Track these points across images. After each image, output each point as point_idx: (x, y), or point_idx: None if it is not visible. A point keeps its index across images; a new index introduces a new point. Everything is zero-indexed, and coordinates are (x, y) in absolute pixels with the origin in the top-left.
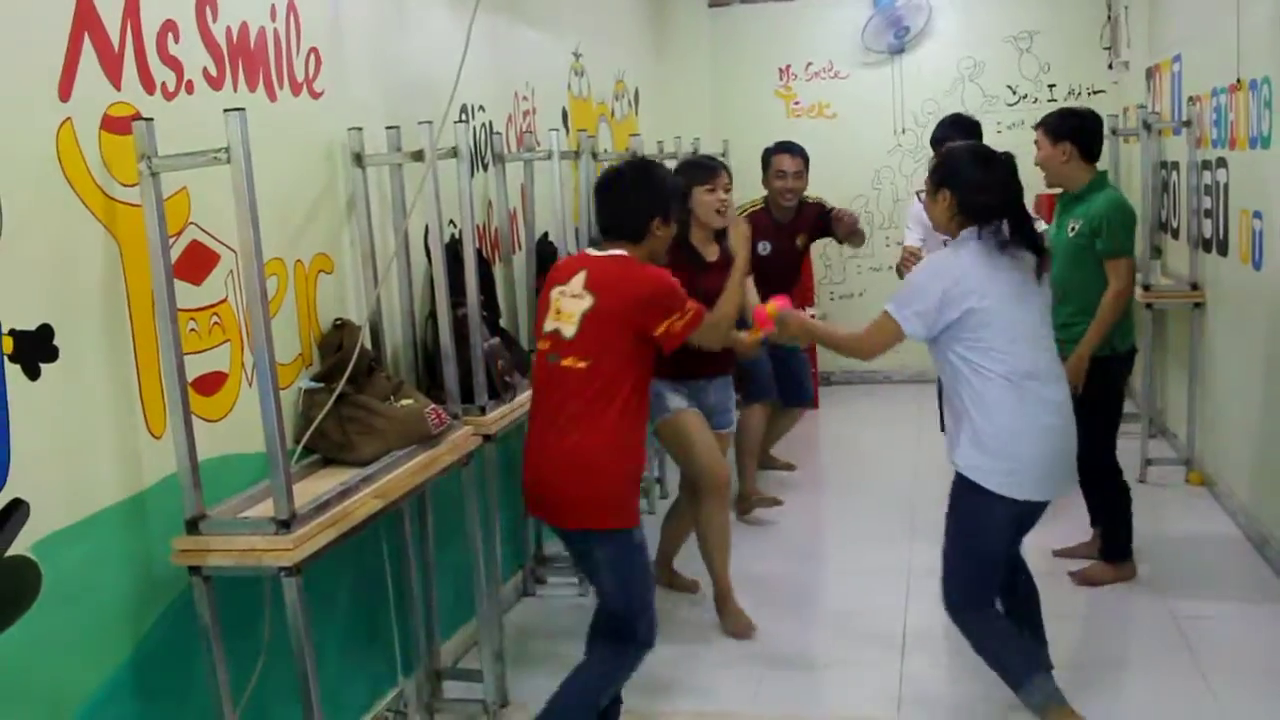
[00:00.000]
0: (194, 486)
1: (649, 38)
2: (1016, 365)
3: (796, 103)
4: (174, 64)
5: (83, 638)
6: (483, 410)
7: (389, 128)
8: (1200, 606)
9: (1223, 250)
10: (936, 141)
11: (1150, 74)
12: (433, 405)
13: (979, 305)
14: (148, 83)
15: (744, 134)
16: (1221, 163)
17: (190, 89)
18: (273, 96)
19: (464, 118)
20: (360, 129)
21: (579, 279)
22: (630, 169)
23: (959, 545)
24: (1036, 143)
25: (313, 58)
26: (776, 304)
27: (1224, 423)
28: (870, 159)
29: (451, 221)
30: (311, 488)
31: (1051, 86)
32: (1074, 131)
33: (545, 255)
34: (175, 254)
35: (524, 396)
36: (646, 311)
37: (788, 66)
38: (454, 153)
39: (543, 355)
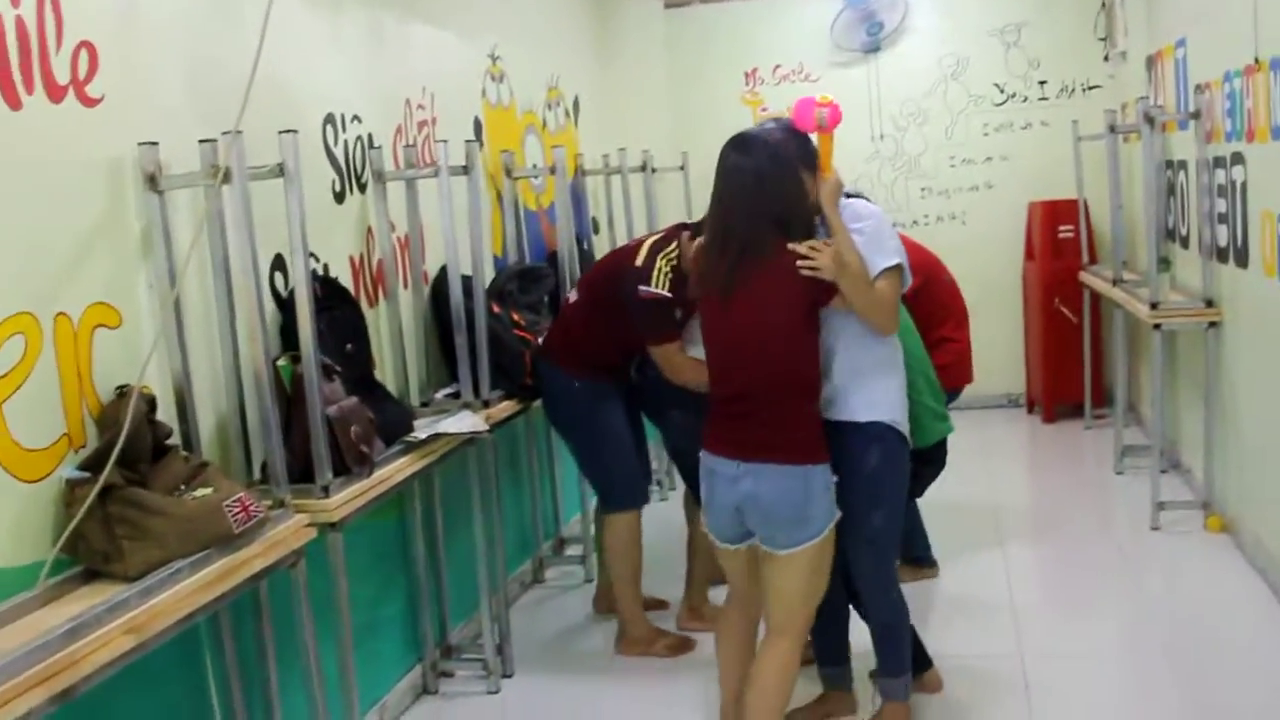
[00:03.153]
0: None
1: (590, 39)
2: None
3: (764, 109)
4: None
5: None
6: (325, 491)
7: (203, 141)
8: (1223, 688)
9: (1241, 261)
10: None
11: (1151, 63)
12: (241, 494)
13: None
14: None
15: (705, 145)
16: (1238, 158)
17: None
18: (14, 103)
19: (330, 128)
20: (155, 144)
21: None
22: None
23: (897, 503)
24: None
25: (85, 55)
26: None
27: (1247, 459)
28: (846, 168)
29: (313, 254)
30: (49, 617)
31: (1043, 83)
32: None
33: (442, 290)
34: None
35: (391, 469)
36: None
37: (754, 70)
38: (280, 170)
39: None
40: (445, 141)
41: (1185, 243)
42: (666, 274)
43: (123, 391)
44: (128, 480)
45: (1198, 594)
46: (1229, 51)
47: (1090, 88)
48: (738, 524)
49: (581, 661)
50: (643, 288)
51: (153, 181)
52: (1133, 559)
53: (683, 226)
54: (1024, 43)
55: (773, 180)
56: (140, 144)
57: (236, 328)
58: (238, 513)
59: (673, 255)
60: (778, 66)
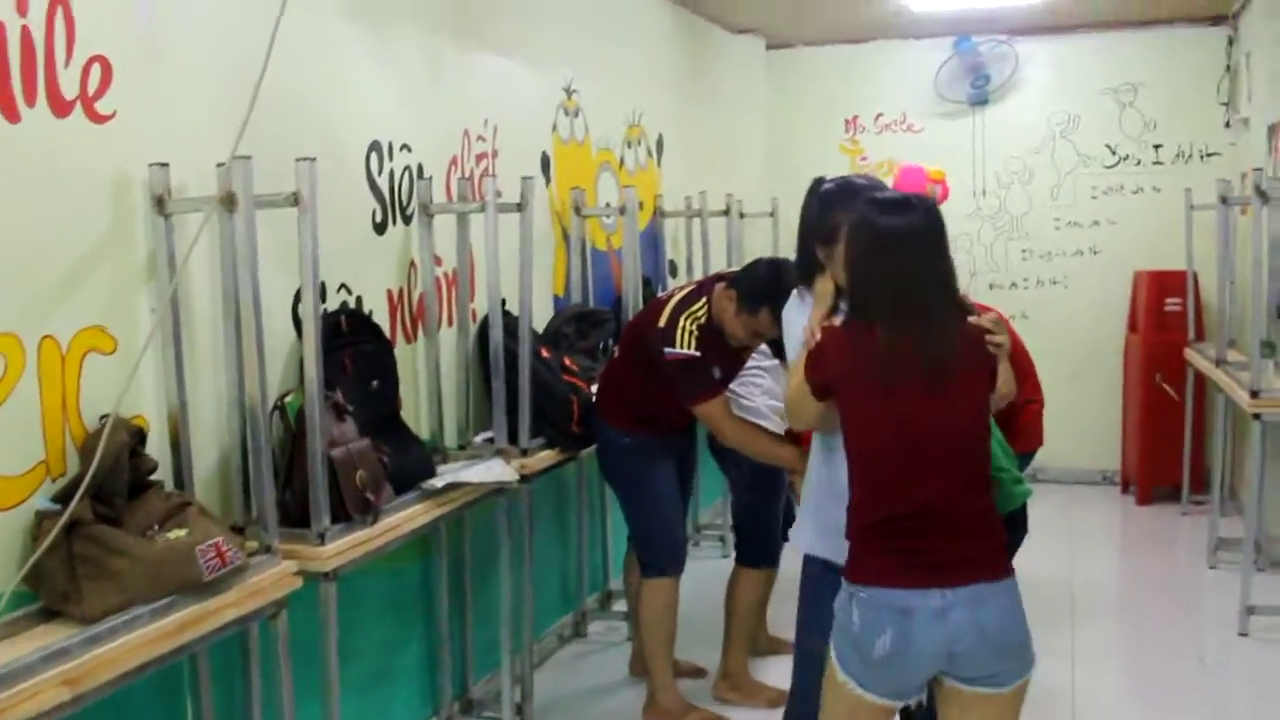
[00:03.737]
0: None
1: (682, 77)
2: None
3: (863, 158)
4: None
5: None
6: (321, 538)
7: (220, 165)
8: None
9: None
10: None
11: (1273, 131)
12: (218, 538)
13: None
14: None
15: (799, 191)
16: None
17: None
18: (12, 115)
19: (375, 156)
20: (166, 165)
21: None
22: None
23: None
24: None
25: (96, 69)
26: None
27: None
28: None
29: (345, 285)
30: None
31: (1158, 147)
32: None
33: (486, 332)
34: None
35: (400, 517)
36: None
37: (855, 117)
38: (294, 200)
39: None
40: (494, 177)
41: None
42: (692, 333)
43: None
44: (99, 516)
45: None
46: None
47: (1209, 154)
48: (932, 672)
49: None
50: (668, 350)
51: (160, 204)
52: (1214, 667)
53: (718, 278)
54: (1140, 103)
55: (945, 244)
56: (151, 165)
57: (243, 360)
58: (211, 558)
59: (699, 314)
60: (879, 115)
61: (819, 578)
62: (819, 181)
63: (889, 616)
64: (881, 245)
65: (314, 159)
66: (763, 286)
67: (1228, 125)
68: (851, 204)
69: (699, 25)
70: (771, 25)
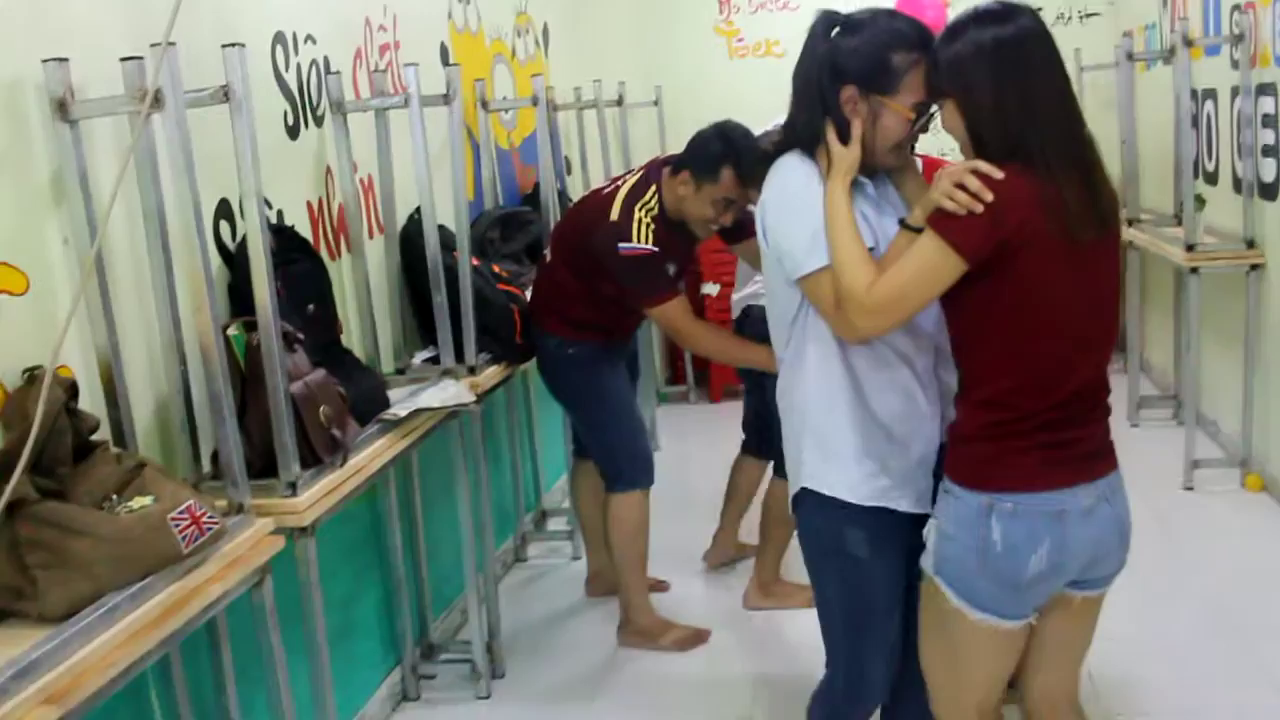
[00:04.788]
0: None
1: None
2: None
3: (740, 40)
4: None
5: None
6: (293, 488)
7: (125, 59)
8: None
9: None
10: None
11: None
12: (190, 501)
13: None
14: None
15: (679, 79)
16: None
17: None
18: None
19: (280, 50)
20: (65, 60)
21: None
22: None
23: None
24: None
25: None
26: None
27: None
28: None
29: (267, 201)
30: None
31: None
32: None
33: (412, 239)
34: None
35: (367, 455)
36: None
37: None
38: (224, 95)
39: None
40: (416, 65)
41: (1212, 179)
42: (648, 225)
43: (33, 375)
44: (42, 491)
45: (1236, 555)
46: None
47: (1087, 15)
48: (1066, 579)
49: (581, 657)
50: (623, 245)
51: (63, 109)
52: (1170, 522)
53: (661, 164)
54: None
55: None
56: (45, 61)
57: (176, 290)
58: (186, 526)
59: (651, 204)
60: None
61: (846, 522)
62: (831, 16)
63: (1044, 525)
64: (1027, 60)
65: (243, 45)
66: (714, 150)
67: None
68: (902, 36)
69: None
70: None
